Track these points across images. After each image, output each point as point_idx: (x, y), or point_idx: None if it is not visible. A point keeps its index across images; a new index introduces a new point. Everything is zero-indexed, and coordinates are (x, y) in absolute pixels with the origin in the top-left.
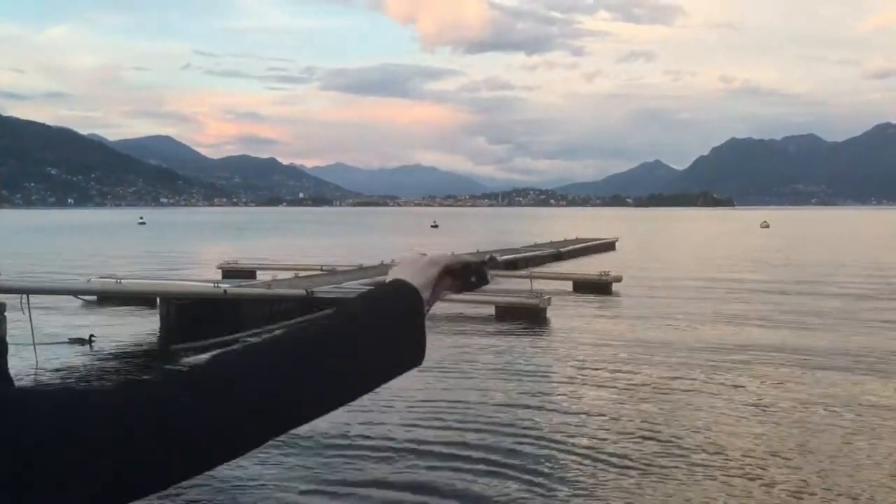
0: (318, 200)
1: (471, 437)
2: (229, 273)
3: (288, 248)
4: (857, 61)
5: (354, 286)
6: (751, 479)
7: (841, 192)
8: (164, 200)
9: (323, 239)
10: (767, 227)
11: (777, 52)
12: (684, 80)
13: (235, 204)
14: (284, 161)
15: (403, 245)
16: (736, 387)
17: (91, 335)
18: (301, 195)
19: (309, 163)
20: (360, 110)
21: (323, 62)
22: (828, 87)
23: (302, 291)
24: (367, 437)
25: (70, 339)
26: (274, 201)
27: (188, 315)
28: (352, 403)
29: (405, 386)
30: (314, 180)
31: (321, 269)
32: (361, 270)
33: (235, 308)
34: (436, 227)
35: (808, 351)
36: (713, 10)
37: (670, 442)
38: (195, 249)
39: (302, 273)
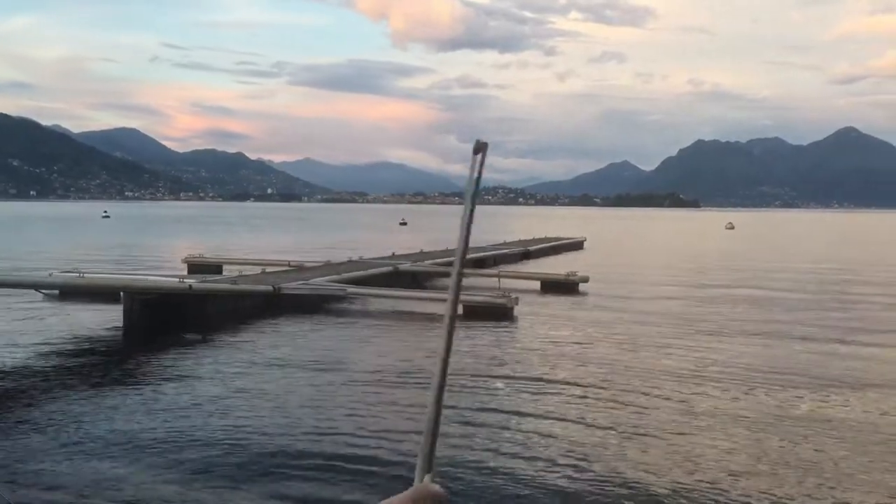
0: (287, 196)
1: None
2: (195, 268)
3: (255, 244)
4: (823, 67)
5: (322, 282)
6: (712, 485)
7: (804, 195)
8: (129, 194)
9: (290, 235)
10: (732, 228)
11: (745, 56)
12: (654, 83)
13: (202, 198)
14: (253, 156)
15: (372, 241)
16: (698, 388)
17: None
18: (269, 190)
19: (277, 158)
20: (330, 106)
21: (293, 57)
22: (793, 92)
23: (269, 287)
24: (316, 440)
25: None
26: (241, 196)
27: (152, 310)
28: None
29: (368, 382)
30: (283, 176)
31: (289, 265)
32: (329, 267)
33: (201, 303)
34: (405, 224)
35: (770, 348)
36: (684, 14)
37: (632, 440)
38: (160, 244)
39: (269, 269)
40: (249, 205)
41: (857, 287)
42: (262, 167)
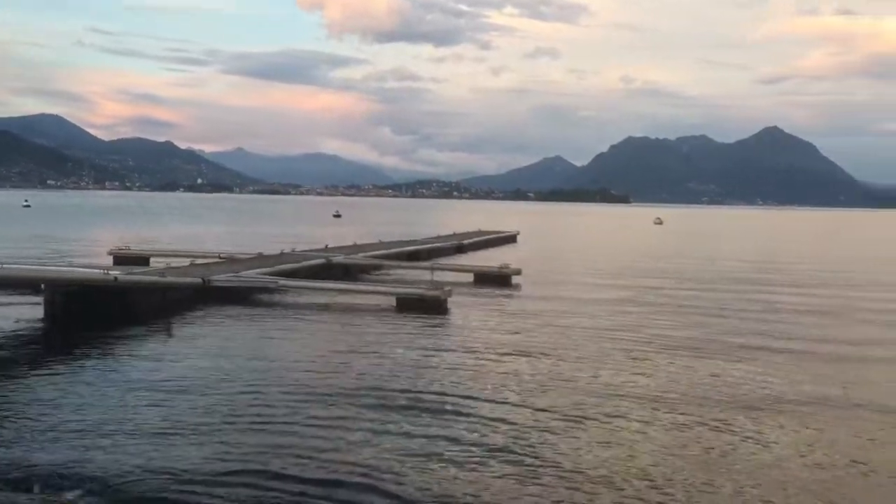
0: (218, 186)
1: (358, 438)
2: (121, 259)
3: (184, 235)
4: (749, 67)
5: (253, 275)
6: (641, 479)
7: (730, 192)
8: (51, 182)
9: (221, 226)
10: (661, 223)
11: (676, 55)
12: (587, 79)
13: (129, 188)
14: (182, 145)
15: (305, 234)
16: (623, 374)
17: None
18: (200, 181)
19: (208, 148)
20: (262, 96)
21: (225, 45)
22: (721, 91)
23: (198, 279)
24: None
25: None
26: (170, 186)
27: (75, 303)
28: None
29: (301, 377)
30: (213, 166)
31: (219, 257)
32: (260, 259)
33: (127, 296)
34: (338, 216)
35: (694, 339)
36: (617, 11)
37: (561, 426)
38: (84, 235)
39: (198, 261)
40: (179, 195)
41: (768, 276)
42: (193, 157)
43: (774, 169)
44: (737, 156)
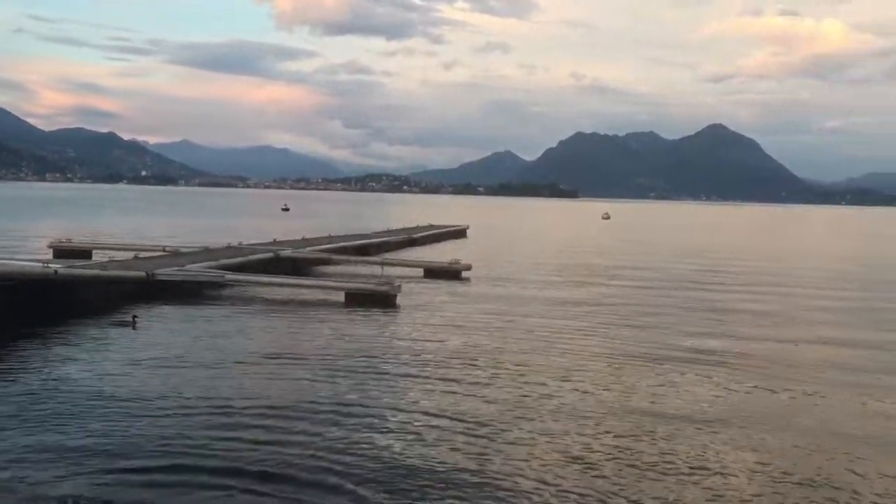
0: (162, 179)
1: (303, 426)
2: (62, 253)
3: (127, 228)
4: (695, 65)
5: (199, 268)
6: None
7: (677, 188)
8: None
9: (166, 219)
10: (608, 218)
11: (624, 52)
12: (537, 75)
13: (70, 179)
14: (126, 136)
15: (253, 227)
16: (569, 369)
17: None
18: (144, 173)
19: (153, 139)
20: (209, 87)
21: (170, 35)
22: (667, 88)
23: (142, 273)
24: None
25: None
26: (113, 178)
27: (12, 297)
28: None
29: (246, 371)
30: (158, 158)
31: (163, 251)
32: (207, 253)
33: (67, 290)
34: (287, 210)
35: (638, 338)
36: (567, 8)
37: (508, 422)
38: (23, 227)
39: (142, 254)
40: (122, 187)
41: (707, 271)
42: (136, 148)
43: (719, 165)
44: (683, 152)
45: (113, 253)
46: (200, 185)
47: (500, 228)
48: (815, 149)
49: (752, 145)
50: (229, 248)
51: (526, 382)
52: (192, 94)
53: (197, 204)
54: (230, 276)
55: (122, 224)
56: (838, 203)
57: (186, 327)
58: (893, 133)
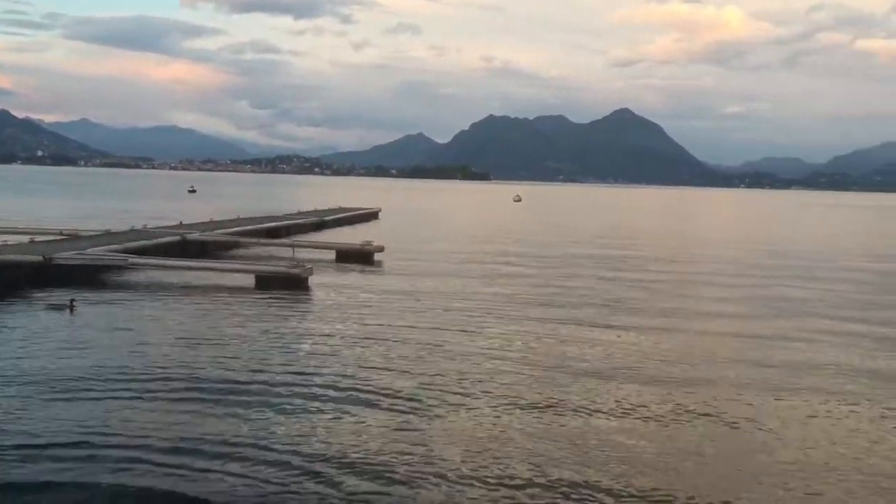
0: (60, 159)
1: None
2: None
3: (22, 210)
4: (604, 50)
5: (100, 252)
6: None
7: (585, 170)
8: None
9: (64, 201)
10: (520, 200)
11: (535, 36)
12: (448, 56)
13: None
14: (19, 114)
15: (158, 210)
16: (475, 352)
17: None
18: (39, 153)
19: (49, 118)
20: (109, 64)
21: (68, 9)
22: (577, 73)
23: (39, 257)
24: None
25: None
26: (6, 158)
27: None
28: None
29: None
30: (55, 137)
31: (61, 234)
32: (109, 236)
33: None
34: (193, 191)
35: (548, 315)
36: None
37: (424, 401)
38: None
39: (38, 237)
40: (16, 167)
41: (613, 249)
42: (31, 127)
43: (625, 149)
44: (591, 136)
45: (6, 237)
46: (101, 165)
47: (413, 211)
48: (716, 133)
49: (656, 129)
50: (133, 231)
51: (439, 359)
52: (92, 71)
53: (98, 185)
54: (135, 260)
55: (15, 207)
56: (737, 186)
57: (88, 314)
58: (789, 119)
